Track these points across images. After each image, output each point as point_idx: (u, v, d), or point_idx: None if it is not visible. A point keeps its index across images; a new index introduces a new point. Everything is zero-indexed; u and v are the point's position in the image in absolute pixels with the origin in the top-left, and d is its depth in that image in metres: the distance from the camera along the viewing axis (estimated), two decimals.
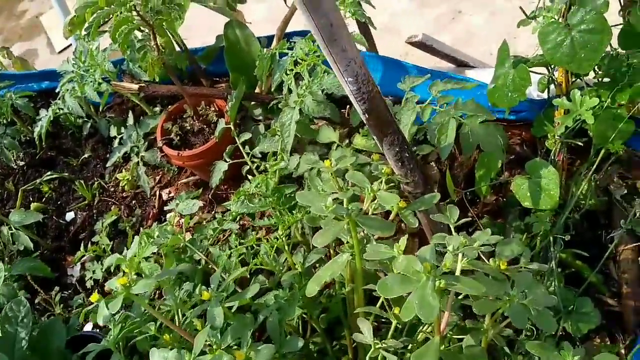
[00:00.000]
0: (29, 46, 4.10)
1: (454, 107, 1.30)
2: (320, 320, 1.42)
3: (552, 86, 1.56)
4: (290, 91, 1.51)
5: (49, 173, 2.44)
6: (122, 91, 2.15)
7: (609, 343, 1.45)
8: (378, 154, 1.39)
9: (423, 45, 1.96)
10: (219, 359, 1.11)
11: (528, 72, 1.41)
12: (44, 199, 2.48)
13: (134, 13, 1.72)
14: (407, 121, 1.29)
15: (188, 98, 2.07)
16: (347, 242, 1.18)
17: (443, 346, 1.09)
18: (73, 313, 2.02)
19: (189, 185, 2.29)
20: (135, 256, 1.43)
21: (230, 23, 2.16)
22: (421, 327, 1.22)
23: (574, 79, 1.51)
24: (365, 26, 1.86)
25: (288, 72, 1.48)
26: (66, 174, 2.48)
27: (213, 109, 2.11)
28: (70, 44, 3.69)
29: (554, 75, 1.50)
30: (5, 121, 2.52)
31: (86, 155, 2.50)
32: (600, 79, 1.46)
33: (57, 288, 2.14)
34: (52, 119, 2.26)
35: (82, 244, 2.11)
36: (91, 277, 2.08)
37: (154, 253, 1.64)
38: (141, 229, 2.25)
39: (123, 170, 2.42)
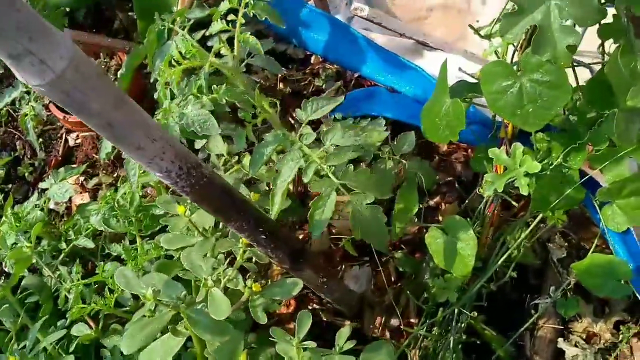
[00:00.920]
0: None
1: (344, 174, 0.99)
2: None
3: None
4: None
5: None
6: None
7: None
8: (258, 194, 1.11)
9: (370, 21, 1.59)
10: None
11: (463, 111, 1.09)
12: None
13: None
14: (287, 176, 0.97)
15: (84, 47, 1.71)
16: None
17: None
18: None
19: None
20: None
21: None
22: None
23: None
24: None
25: (160, 73, 1.10)
26: None
27: (115, 61, 1.76)
28: None
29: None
30: None
31: None
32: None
33: None
34: None
35: None
36: None
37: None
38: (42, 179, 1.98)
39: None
